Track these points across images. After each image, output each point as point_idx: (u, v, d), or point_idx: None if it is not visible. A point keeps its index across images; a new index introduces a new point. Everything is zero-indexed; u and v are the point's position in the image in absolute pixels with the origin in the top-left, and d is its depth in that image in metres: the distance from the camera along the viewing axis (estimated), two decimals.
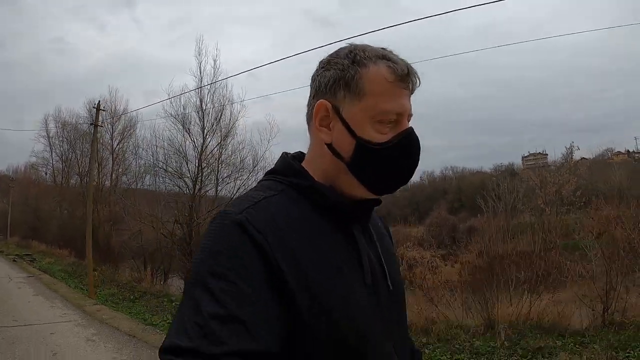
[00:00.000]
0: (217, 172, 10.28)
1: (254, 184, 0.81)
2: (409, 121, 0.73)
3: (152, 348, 5.27)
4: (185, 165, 9.80)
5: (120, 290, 10.72)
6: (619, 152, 48.33)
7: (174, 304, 8.69)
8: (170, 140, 10.04)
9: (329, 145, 0.72)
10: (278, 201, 0.68)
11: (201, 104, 9.67)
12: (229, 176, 10.14)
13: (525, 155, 47.62)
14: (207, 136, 9.54)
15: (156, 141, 10.24)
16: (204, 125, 9.56)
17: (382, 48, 0.72)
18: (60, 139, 22.36)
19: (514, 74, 72.40)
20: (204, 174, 9.90)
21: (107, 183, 17.39)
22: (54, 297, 9.15)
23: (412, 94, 0.73)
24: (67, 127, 20.95)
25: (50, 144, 23.95)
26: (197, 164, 9.55)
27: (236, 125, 10.13)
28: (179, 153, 9.76)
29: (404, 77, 0.70)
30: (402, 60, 0.71)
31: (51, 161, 24.78)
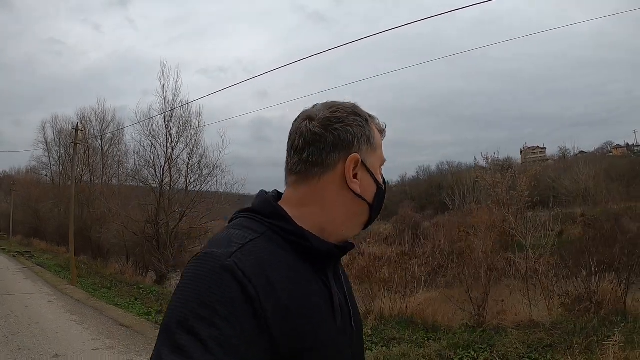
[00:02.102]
0: (187, 177, 12.20)
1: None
2: None
3: (93, 309, 7.95)
4: (154, 173, 11.69)
5: (101, 280, 12.63)
6: (618, 146, 48.89)
7: (141, 290, 10.58)
8: (139, 152, 12.02)
9: (360, 196, 0.79)
10: (263, 245, 0.69)
11: (165, 123, 11.60)
12: (195, 181, 11.98)
13: (524, 149, 49.06)
14: (169, 149, 11.48)
15: (126, 153, 12.16)
16: (167, 139, 11.48)
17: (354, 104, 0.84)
18: (57, 143, 24.49)
19: (514, 66, 73.02)
20: (172, 179, 11.79)
21: (99, 184, 19.40)
22: (38, 280, 12.05)
23: None
24: (63, 134, 22.99)
25: (48, 148, 26.15)
26: (162, 173, 11.44)
27: (199, 137, 11.98)
28: (147, 163, 11.68)
29: (383, 131, 0.87)
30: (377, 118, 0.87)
31: (49, 165, 27.00)
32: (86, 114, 19.95)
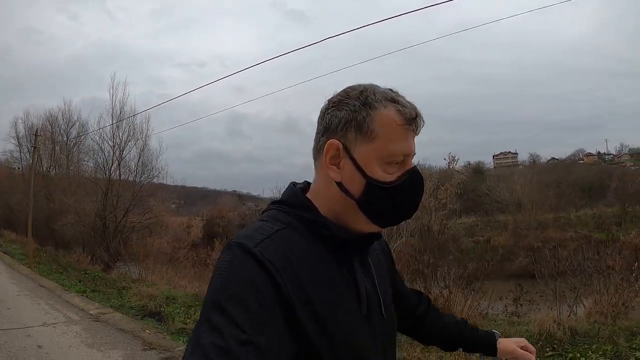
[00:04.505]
0: (135, 176, 14.37)
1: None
2: (412, 159, 0.82)
3: (32, 280, 10.49)
4: (103, 172, 13.86)
5: (57, 267, 14.64)
6: (590, 154, 51.39)
7: (87, 275, 12.63)
8: (94, 152, 14.20)
9: (339, 184, 0.79)
10: (288, 234, 0.76)
11: (112, 134, 13.86)
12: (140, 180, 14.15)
13: (496, 154, 51.55)
14: (117, 151, 13.73)
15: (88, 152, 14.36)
16: (115, 143, 13.70)
17: (390, 89, 0.81)
18: (28, 139, 26.32)
19: (498, 71, 75.64)
20: (121, 178, 13.94)
21: (63, 179, 21.37)
22: None
23: (417, 135, 0.81)
24: (33, 130, 24.83)
25: (19, 143, 28.06)
26: (109, 173, 13.60)
27: (146, 141, 14.18)
28: (97, 164, 13.86)
29: (412, 120, 0.78)
30: (410, 103, 0.80)
31: (20, 159, 28.94)
32: (53, 113, 21.99)
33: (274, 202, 0.86)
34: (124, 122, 14.06)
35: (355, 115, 0.78)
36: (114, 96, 14.65)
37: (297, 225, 0.79)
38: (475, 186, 25.59)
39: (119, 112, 14.35)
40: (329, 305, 0.74)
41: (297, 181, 0.91)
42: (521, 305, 6.79)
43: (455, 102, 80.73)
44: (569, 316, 5.79)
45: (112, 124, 13.96)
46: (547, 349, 4.86)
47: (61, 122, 20.88)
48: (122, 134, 14.19)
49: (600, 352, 4.64)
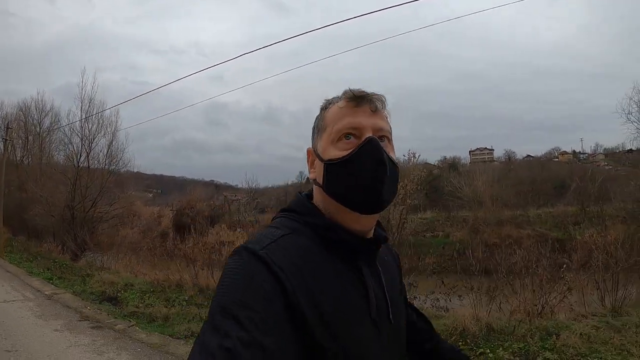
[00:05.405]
0: (104, 167, 15.11)
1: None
2: (381, 138, 0.83)
3: (0, 267, 11.25)
4: (72, 163, 14.55)
5: (28, 255, 15.26)
6: (565, 152, 53.00)
7: (55, 263, 13.30)
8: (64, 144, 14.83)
9: (314, 180, 0.87)
10: (295, 239, 0.78)
11: (81, 128, 14.53)
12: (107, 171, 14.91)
13: (473, 149, 52.24)
14: (85, 142, 14.49)
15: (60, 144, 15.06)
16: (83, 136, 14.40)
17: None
18: (2, 129, 26.47)
19: (479, 68, 77.26)
20: (89, 170, 14.65)
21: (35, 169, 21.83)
22: None
23: (376, 111, 0.84)
24: (7, 120, 25.07)
25: None
26: (77, 165, 14.30)
27: (115, 134, 14.91)
28: (66, 156, 14.51)
29: (356, 98, 0.83)
30: (361, 89, 0.84)
31: None
32: (27, 103, 22.30)
33: (283, 210, 0.90)
34: (93, 116, 14.74)
35: (318, 122, 0.89)
36: (83, 90, 15.24)
37: (304, 230, 0.81)
38: (447, 181, 26.48)
39: (87, 107, 15.00)
40: (337, 308, 0.75)
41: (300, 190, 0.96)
42: (450, 300, 6.87)
43: (438, 96, 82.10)
44: (489, 313, 5.97)
45: (81, 120, 14.60)
46: (460, 343, 5.06)
47: (34, 113, 21.30)
48: (91, 127, 14.91)
49: (511, 350, 4.79)
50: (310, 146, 0.91)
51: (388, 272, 0.94)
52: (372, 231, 0.88)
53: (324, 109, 0.88)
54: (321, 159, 0.84)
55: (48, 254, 15.84)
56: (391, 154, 0.83)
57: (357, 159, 0.80)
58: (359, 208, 0.81)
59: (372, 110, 0.83)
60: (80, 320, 6.67)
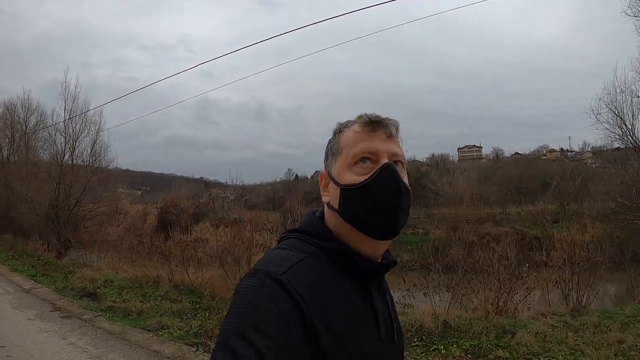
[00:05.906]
0: (88, 165, 15.52)
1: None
2: (396, 162, 0.85)
3: None
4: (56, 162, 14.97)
5: (14, 253, 15.62)
6: (553, 150, 53.75)
7: (40, 261, 13.68)
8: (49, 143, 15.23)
9: (328, 204, 0.88)
10: (312, 264, 0.79)
11: (65, 127, 14.94)
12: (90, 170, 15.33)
13: (461, 147, 52.50)
14: (69, 142, 14.92)
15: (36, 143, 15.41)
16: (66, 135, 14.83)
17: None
18: None
19: (469, 67, 78.03)
20: (73, 169, 15.06)
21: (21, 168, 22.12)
22: None
23: (391, 137, 0.86)
24: None
25: None
26: (62, 164, 14.73)
27: (99, 134, 15.33)
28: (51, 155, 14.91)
29: (372, 123, 0.85)
30: (376, 114, 0.87)
31: None
32: (13, 102, 22.44)
33: (293, 231, 0.90)
34: (74, 118, 15.14)
35: (331, 145, 0.90)
36: (67, 90, 15.58)
37: (319, 254, 0.82)
38: (429, 180, 27.00)
39: (71, 106, 15.37)
40: (353, 335, 0.77)
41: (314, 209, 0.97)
42: (414, 297, 6.84)
43: (431, 94, 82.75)
44: (447, 310, 6.08)
45: (64, 120, 14.96)
46: (415, 340, 5.24)
47: (20, 111, 21.53)
48: (75, 126, 15.28)
49: (464, 347, 4.91)
50: (323, 169, 0.92)
51: (389, 291, 0.98)
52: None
53: (338, 132, 0.90)
54: (337, 183, 0.85)
55: (33, 252, 16.15)
56: (405, 180, 0.86)
57: (375, 184, 0.82)
58: (374, 232, 0.83)
59: (387, 136, 0.86)
60: (52, 311, 7.35)
